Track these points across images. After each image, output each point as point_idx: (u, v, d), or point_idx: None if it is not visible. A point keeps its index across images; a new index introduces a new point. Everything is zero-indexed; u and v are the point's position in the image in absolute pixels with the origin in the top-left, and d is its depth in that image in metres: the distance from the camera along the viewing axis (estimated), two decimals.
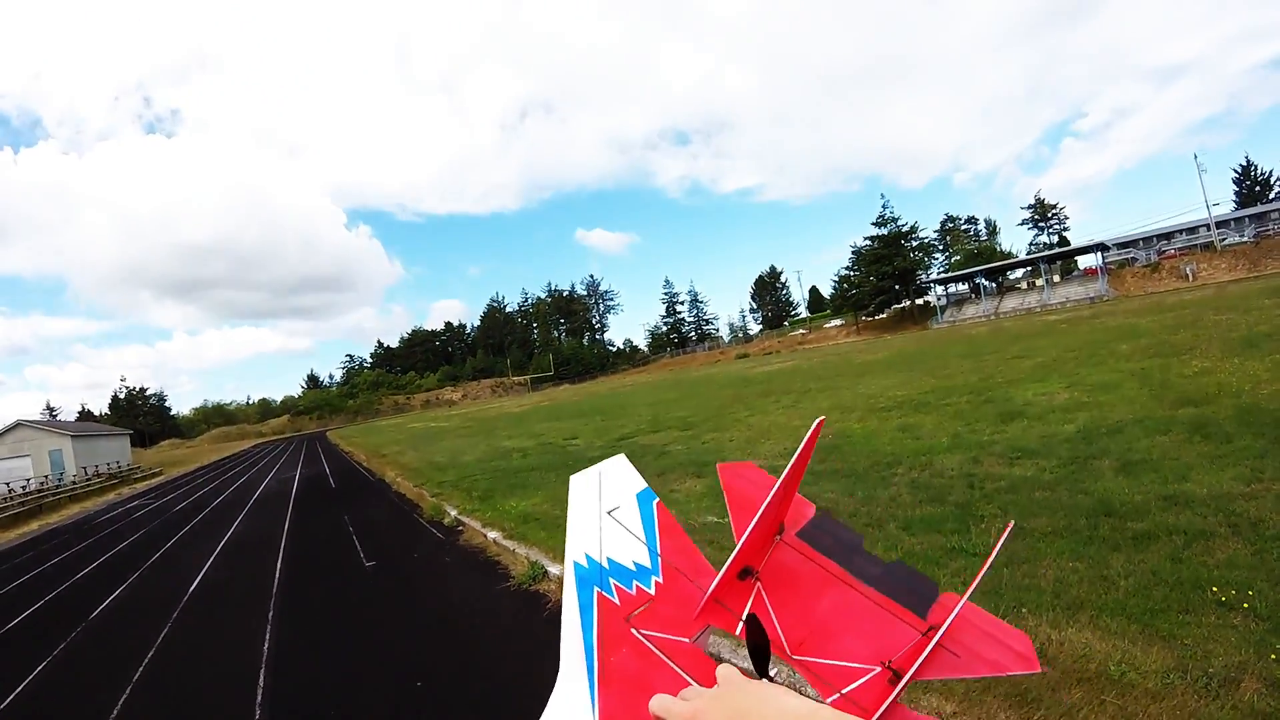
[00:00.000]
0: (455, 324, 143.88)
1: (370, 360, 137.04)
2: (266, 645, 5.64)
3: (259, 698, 4.57)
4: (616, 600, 1.19)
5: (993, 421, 8.57)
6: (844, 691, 1.02)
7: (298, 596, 7.16)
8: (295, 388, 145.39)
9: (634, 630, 1.11)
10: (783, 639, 1.11)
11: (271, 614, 6.56)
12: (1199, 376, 8.81)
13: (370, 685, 4.54)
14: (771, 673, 1.02)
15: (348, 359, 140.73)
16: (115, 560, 11.86)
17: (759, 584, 1.20)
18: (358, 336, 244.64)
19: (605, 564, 1.26)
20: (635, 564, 1.26)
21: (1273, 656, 2.93)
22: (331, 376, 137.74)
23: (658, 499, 1.47)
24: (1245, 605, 3.36)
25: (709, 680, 0.86)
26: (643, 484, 1.51)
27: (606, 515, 1.37)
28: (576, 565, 1.25)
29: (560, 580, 5.88)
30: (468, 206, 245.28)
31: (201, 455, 66.17)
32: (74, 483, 37.95)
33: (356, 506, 13.36)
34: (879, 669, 1.04)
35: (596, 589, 1.21)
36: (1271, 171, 72.88)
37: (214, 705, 4.62)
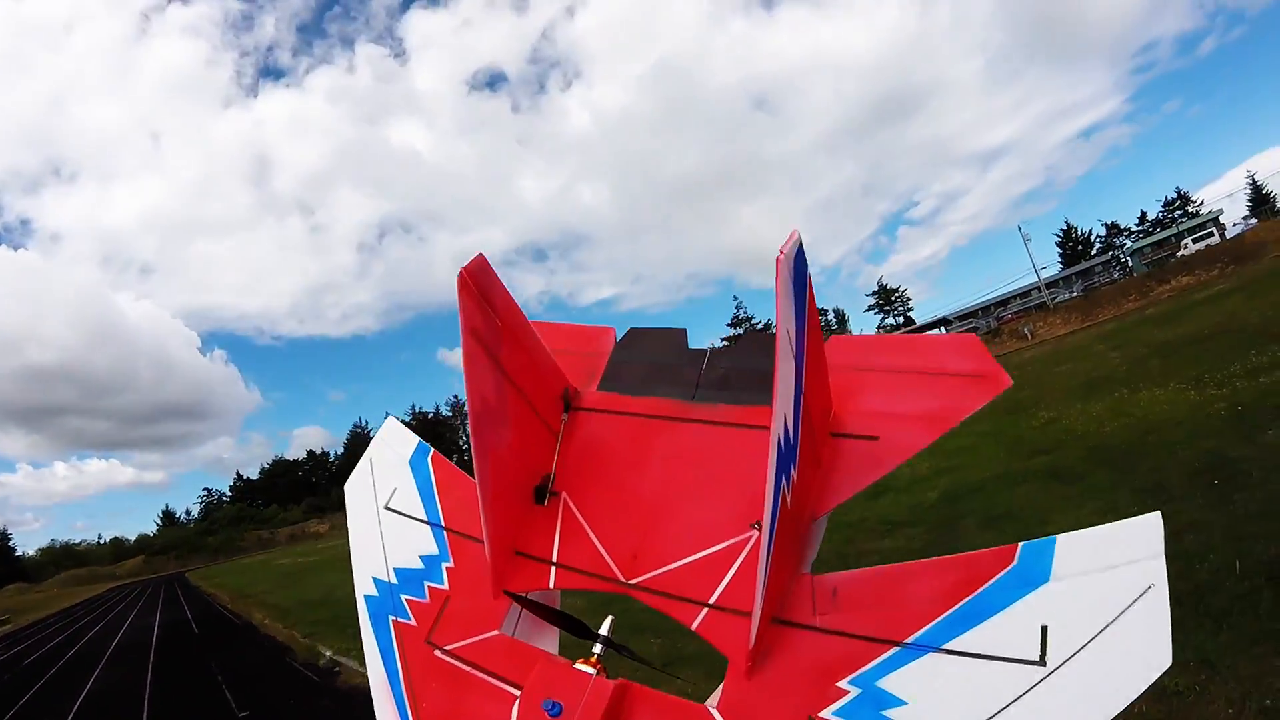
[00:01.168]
0: (319, 451, 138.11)
1: (230, 494, 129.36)
2: None
3: None
4: (413, 620, 1.01)
5: (862, 498, 8.89)
6: (706, 608, 0.78)
7: None
8: (150, 525, 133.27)
9: (437, 651, 0.92)
10: (611, 565, 0.86)
11: None
12: (1047, 425, 9.66)
13: None
14: (605, 630, 0.84)
15: (205, 493, 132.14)
16: None
17: (564, 496, 0.96)
18: (216, 468, 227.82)
19: (393, 579, 1.09)
20: (422, 558, 1.07)
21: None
22: (189, 512, 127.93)
23: (432, 451, 1.27)
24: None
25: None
26: (414, 443, 1.29)
27: (384, 510, 1.17)
28: (367, 599, 1.09)
29: None
30: (327, 329, 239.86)
31: (52, 601, 60.36)
32: None
33: (224, 653, 12.36)
34: (751, 535, 0.82)
35: (391, 617, 1.04)
36: (1091, 230, 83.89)
37: None
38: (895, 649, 0.74)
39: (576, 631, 0.88)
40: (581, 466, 0.99)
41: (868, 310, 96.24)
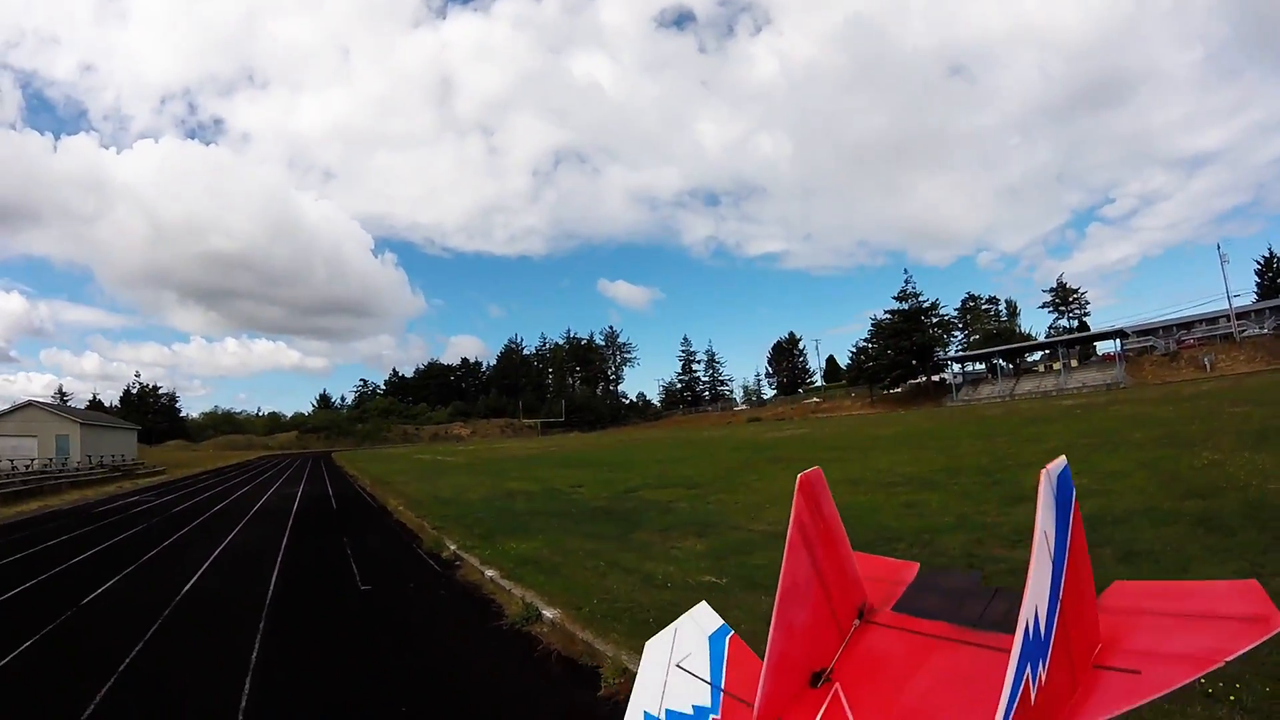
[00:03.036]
0: (472, 361, 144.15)
1: (384, 387, 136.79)
2: (255, 654, 5.63)
3: (243, 704, 4.56)
4: None
5: (999, 504, 8.50)
6: None
7: (291, 610, 7.16)
8: (306, 405, 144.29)
9: None
10: None
11: (263, 624, 6.55)
12: (1209, 469, 8.74)
13: (357, 705, 4.55)
14: None
15: (361, 383, 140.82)
16: (110, 551, 11.87)
17: (837, 686, 1.08)
18: (374, 363, 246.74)
19: (662, 717, 1.23)
20: (695, 707, 1.23)
21: None
22: (343, 399, 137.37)
23: (731, 634, 1.48)
24: (1231, 698, 3.33)
25: None
26: (718, 623, 1.53)
27: (675, 667, 1.37)
28: None
29: (553, 623, 5.93)
30: (494, 247, 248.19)
31: (206, 460, 66.07)
32: (77, 469, 38.14)
33: (356, 530, 13.32)
34: None
35: None
36: None
37: (195, 708, 4.62)
38: None
39: None
40: (860, 668, 1.10)
41: (1041, 307, 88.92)
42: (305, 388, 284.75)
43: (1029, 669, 0.90)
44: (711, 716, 1.21)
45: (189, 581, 8.73)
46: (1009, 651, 0.93)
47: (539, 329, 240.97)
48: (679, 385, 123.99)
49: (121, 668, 5.40)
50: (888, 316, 78.73)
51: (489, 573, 7.86)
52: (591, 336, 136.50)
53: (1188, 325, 70.75)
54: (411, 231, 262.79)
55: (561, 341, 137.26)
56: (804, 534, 1.11)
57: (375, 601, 7.39)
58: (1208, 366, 51.04)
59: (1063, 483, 0.98)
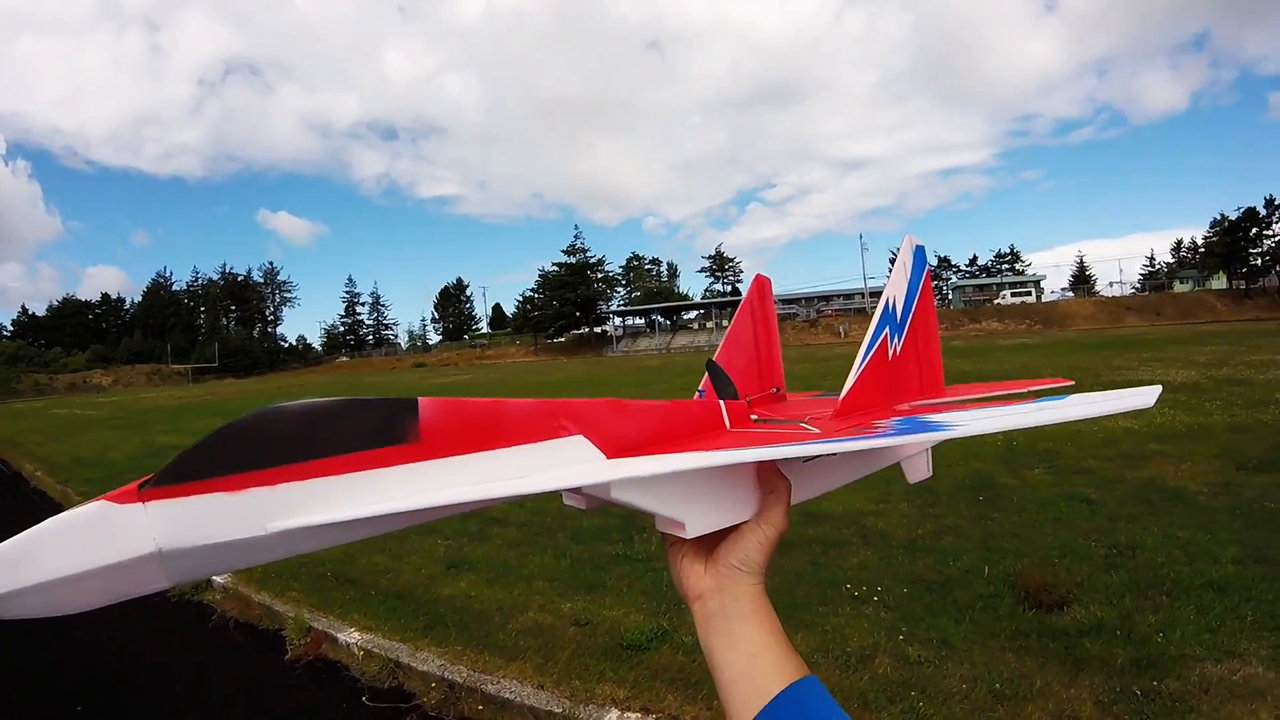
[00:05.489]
0: (114, 297, 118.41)
1: (10, 328, 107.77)
2: None
3: None
4: None
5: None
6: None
7: None
8: None
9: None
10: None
11: None
12: None
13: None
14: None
15: None
16: None
17: (748, 399, 1.17)
18: None
19: None
20: None
21: (900, 638, 3.64)
22: None
23: None
24: (875, 598, 4.15)
25: None
26: None
27: None
28: None
29: (224, 588, 5.46)
30: (144, 164, 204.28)
31: None
32: None
33: None
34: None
35: None
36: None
37: None
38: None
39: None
40: (771, 407, 1.27)
41: (700, 270, 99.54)
42: None
43: (888, 331, 1.11)
44: None
45: None
46: None
47: (191, 262, 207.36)
48: (342, 328, 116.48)
49: None
50: (555, 269, 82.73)
51: None
52: (250, 273, 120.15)
53: (827, 299, 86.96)
54: (51, 138, 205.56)
55: (216, 277, 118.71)
56: (751, 310, 1.35)
57: None
58: (843, 334, 63.63)
59: (919, 257, 1.28)
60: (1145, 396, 0.66)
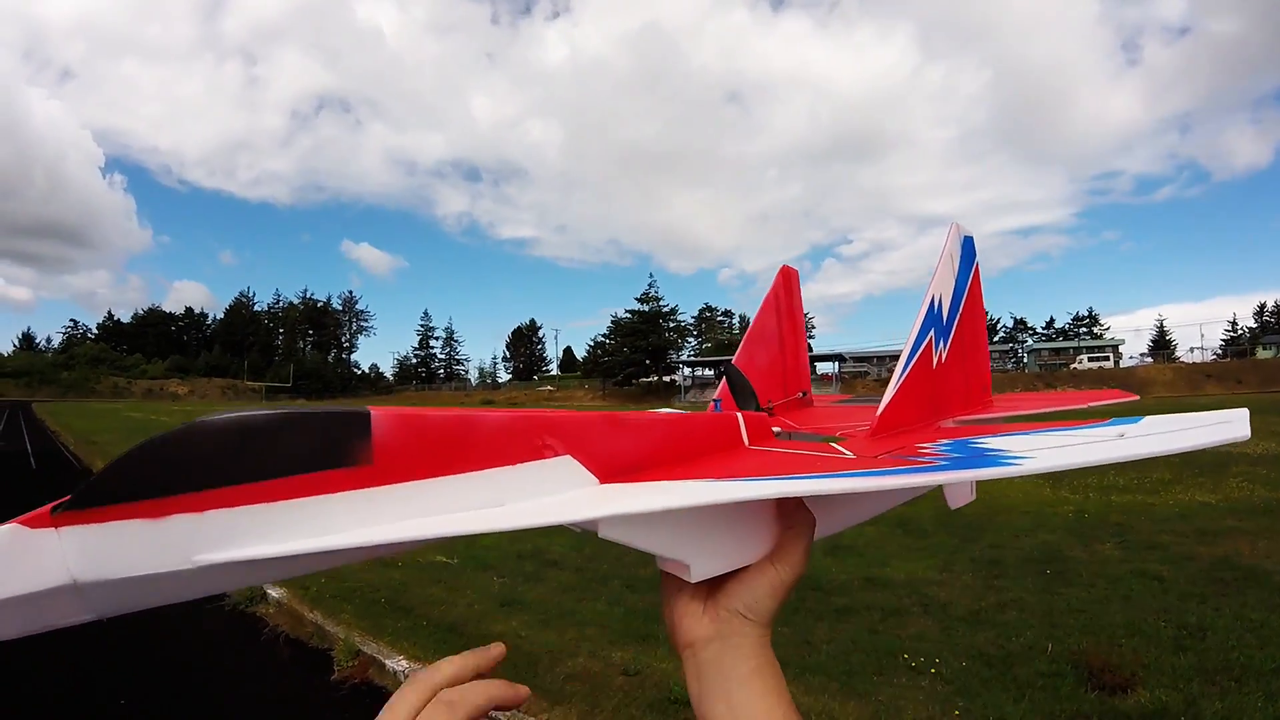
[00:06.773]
0: (197, 311, 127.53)
1: (96, 332, 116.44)
2: None
3: None
4: None
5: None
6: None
7: None
8: (6, 345, 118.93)
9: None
10: None
11: None
12: None
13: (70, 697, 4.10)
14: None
15: (71, 324, 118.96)
16: None
17: (771, 404, 1.16)
18: (87, 302, 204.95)
19: None
20: None
21: (956, 713, 3.50)
22: (50, 340, 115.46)
23: None
24: (932, 670, 3.99)
25: None
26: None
27: None
28: None
29: (279, 603, 5.58)
30: (236, 188, 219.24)
31: None
32: None
33: (60, 493, 11.24)
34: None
35: None
36: (1000, 319, 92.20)
37: None
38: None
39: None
40: (795, 414, 1.21)
41: None
42: (4, 323, 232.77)
43: (932, 335, 1.02)
44: None
45: None
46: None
47: (273, 284, 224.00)
48: (414, 360, 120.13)
49: None
50: (628, 316, 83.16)
51: None
52: (329, 299, 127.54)
53: (898, 357, 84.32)
54: (148, 156, 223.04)
55: (296, 301, 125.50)
56: (776, 303, 1.25)
57: None
58: None
59: (967, 248, 1.19)
60: (1237, 425, 0.57)
